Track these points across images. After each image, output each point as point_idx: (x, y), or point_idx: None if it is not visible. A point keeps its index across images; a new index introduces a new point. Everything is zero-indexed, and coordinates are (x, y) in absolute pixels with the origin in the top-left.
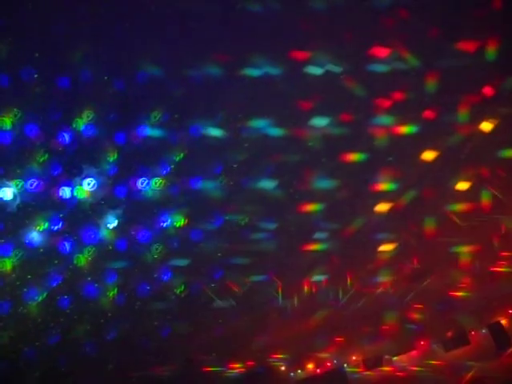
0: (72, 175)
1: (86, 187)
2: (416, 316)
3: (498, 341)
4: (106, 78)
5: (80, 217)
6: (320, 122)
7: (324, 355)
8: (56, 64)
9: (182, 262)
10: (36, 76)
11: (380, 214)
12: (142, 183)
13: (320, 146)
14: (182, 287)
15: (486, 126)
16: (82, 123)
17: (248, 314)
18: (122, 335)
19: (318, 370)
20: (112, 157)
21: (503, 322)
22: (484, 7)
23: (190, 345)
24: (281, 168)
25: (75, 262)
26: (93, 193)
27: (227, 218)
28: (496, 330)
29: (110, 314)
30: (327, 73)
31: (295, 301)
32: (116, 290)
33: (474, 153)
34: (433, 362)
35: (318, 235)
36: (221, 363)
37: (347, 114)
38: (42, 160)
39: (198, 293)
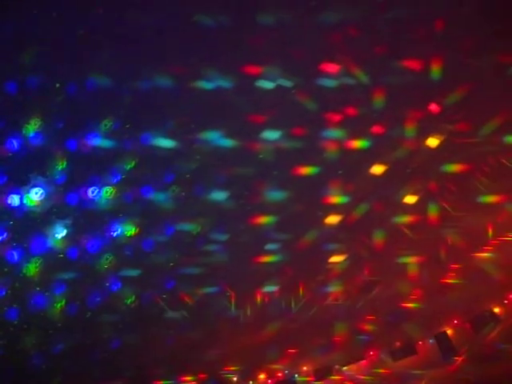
0: (19, 184)
1: (34, 196)
2: (366, 327)
3: (444, 350)
4: (57, 85)
5: (28, 226)
6: (271, 135)
7: (276, 366)
8: (3, 69)
9: (133, 272)
10: None
11: (331, 226)
12: (92, 192)
13: (272, 159)
14: (133, 298)
15: (432, 142)
16: (30, 130)
17: (200, 325)
18: (70, 347)
19: (270, 381)
20: (61, 165)
21: (449, 331)
22: (427, 27)
23: (141, 357)
24: (232, 179)
25: (23, 271)
26: (41, 202)
27: (178, 228)
28: (442, 340)
29: (58, 325)
30: (278, 87)
31: (247, 312)
32: (65, 301)
33: (420, 167)
34: (381, 371)
35: (269, 246)
36: (172, 376)
37: (298, 127)
38: None
39: (149, 304)
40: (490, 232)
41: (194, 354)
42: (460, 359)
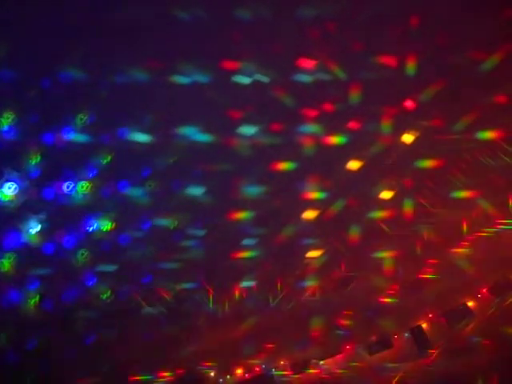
0: None
1: (7, 191)
2: (343, 321)
3: (419, 344)
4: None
5: (2, 221)
6: (248, 130)
7: (253, 361)
8: None
9: (109, 268)
10: None
11: (308, 221)
12: (67, 187)
13: (249, 154)
14: (109, 293)
15: (407, 138)
16: (2, 124)
17: (177, 320)
18: (44, 344)
19: (247, 375)
20: (35, 159)
21: (424, 325)
22: (403, 24)
23: (117, 353)
24: (209, 175)
25: None
26: (15, 196)
27: (155, 223)
28: (417, 334)
29: (31, 322)
30: (255, 82)
31: (225, 307)
32: (38, 297)
33: (396, 163)
34: (357, 364)
35: (246, 242)
36: (149, 372)
37: (275, 123)
38: None
39: (125, 299)
40: (465, 227)
41: (171, 349)
42: (435, 353)
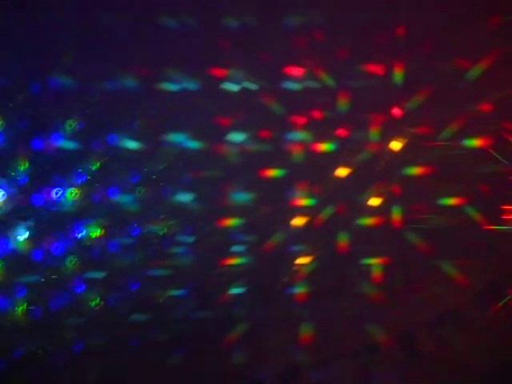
0: None
1: None
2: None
3: (408, 351)
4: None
5: None
6: (237, 137)
7: (243, 369)
8: None
9: (98, 274)
10: None
11: (297, 228)
12: (56, 193)
13: (238, 161)
14: (98, 300)
15: (395, 145)
16: None
17: (166, 327)
18: (31, 351)
19: None
20: (23, 166)
21: (413, 332)
22: (390, 34)
23: (106, 360)
24: (198, 181)
25: None
26: (2, 203)
27: (144, 229)
28: (406, 341)
29: (19, 329)
30: (244, 90)
31: (214, 313)
32: (26, 305)
33: (384, 170)
34: (346, 372)
35: (236, 248)
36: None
37: (264, 130)
38: None
39: (114, 306)
40: (452, 234)
41: (160, 356)
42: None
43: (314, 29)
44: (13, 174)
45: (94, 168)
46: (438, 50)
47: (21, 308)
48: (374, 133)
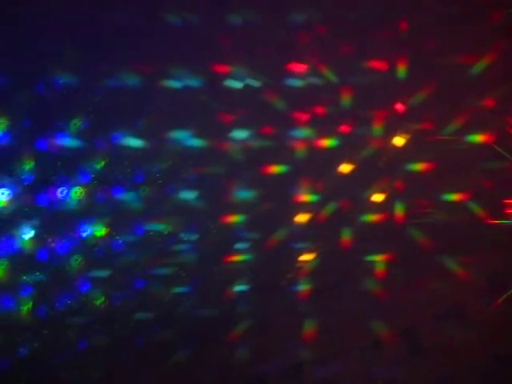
0: None
1: (0, 197)
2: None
3: (411, 346)
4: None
5: None
6: (240, 134)
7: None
8: None
9: (103, 273)
10: None
11: (300, 225)
12: (61, 192)
13: (241, 158)
14: (103, 299)
15: (398, 141)
16: None
17: (170, 325)
18: (36, 350)
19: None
20: (28, 165)
21: (416, 327)
22: (392, 28)
23: (110, 359)
24: (202, 179)
25: None
26: (7, 202)
27: (148, 228)
28: (409, 336)
29: (24, 328)
30: (247, 86)
31: (218, 311)
32: (31, 303)
33: (387, 166)
34: (350, 368)
35: (239, 245)
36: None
37: (268, 126)
38: None
39: (118, 304)
40: (456, 230)
41: (164, 354)
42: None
43: (317, 25)
44: (18, 173)
45: (98, 167)
46: (441, 45)
47: (26, 307)
48: (377, 129)
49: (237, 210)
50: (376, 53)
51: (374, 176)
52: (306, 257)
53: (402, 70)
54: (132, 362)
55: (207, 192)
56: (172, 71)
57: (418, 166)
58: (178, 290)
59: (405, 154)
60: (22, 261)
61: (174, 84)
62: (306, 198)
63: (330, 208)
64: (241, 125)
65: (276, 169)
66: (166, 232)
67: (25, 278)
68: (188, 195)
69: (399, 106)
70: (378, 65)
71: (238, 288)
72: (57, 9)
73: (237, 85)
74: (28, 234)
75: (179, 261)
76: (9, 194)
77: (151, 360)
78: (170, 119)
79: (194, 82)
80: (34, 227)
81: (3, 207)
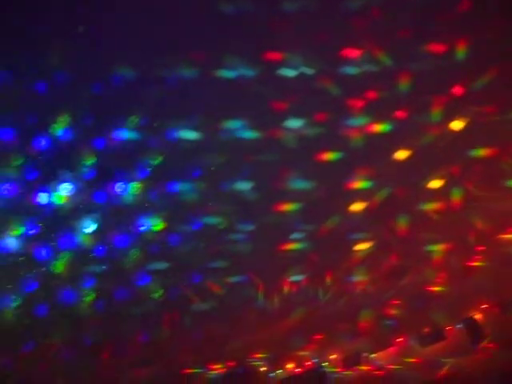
0: (48, 180)
1: (63, 192)
2: (393, 312)
3: (472, 335)
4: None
5: (57, 222)
6: (295, 122)
7: (303, 354)
8: (32, 67)
9: (161, 266)
10: (12, 78)
11: (356, 213)
12: (119, 187)
13: (295, 147)
14: (161, 292)
15: (457, 125)
16: (58, 127)
17: (227, 315)
18: (99, 340)
19: (298, 370)
20: (89, 161)
21: (477, 316)
22: (452, 10)
23: (170, 348)
24: (256, 169)
25: (52, 267)
26: (70, 197)
27: (205, 220)
28: (470, 325)
29: (87, 320)
30: (301, 74)
31: (274, 301)
32: (93, 295)
33: (446, 151)
34: (410, 360)
35: (294, 235)
36: (201, 364)
37: (321, 114)
38: (16, 164)
39: (176, 296)
40: None
41: (222, 342)
42: (490, 345)
43: (372, 9)
44: (79, 169)
45: (155, 162)
46: (504, 25)
47: (88, 298)
48: (435, 114)
49: (291, 198)
50: (435, 35)
51: (432, 162)
52: (362, 245)
53: (462, 53)
54: (190, 355)
55: (262, 182)
56: (225, 60)
57: (479, 151)
58: (234, 279)
59: (464, 138)
60: (82, 254)
61: (228, 73)
62: (361, 184)
63: (384, 194)
64: (294, 113)
65: (330, 156)
66: (221, 225)
67: (86, 270)
68: (243, 186)
69: (458, 89)
70: (437, 48)
71: (294, 278)
72: (112, 5)
73: (290, 73)
74: (89, 228)
75: (234, 251)
76: (71, 190)
77: (210, 347)
78: (223, 110)
79: (247, 71)
80: (94, 222)
81: (65, 202)
